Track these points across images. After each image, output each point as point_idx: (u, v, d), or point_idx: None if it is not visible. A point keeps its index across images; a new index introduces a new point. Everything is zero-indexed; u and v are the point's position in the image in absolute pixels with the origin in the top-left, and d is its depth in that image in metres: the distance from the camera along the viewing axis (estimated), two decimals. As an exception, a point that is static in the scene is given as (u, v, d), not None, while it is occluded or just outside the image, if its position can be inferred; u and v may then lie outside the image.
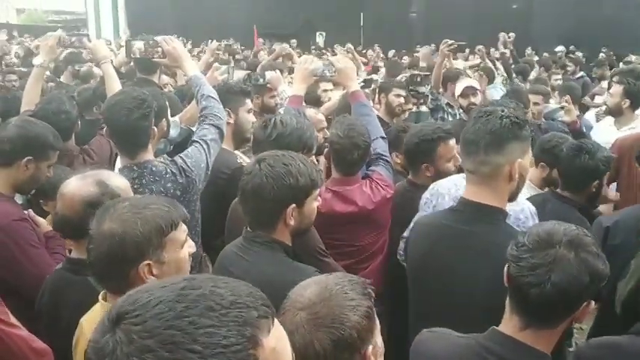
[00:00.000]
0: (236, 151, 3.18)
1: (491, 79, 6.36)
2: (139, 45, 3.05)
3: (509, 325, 1.52)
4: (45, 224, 2.64)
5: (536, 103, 4.83)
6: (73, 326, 1.75)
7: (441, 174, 2.85)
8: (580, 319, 1.51)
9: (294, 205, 1.93)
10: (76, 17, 30.95)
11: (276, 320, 0.84)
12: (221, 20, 21.26)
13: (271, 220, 1.95)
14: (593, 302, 1.50)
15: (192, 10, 22.42)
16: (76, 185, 1.96)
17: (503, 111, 1.92)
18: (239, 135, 3.19)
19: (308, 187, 1.96)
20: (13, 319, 1.82)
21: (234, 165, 3.01)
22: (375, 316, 1.28)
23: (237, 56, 11.78)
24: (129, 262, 1.53)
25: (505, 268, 1.54)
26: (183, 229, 1.62)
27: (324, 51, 15.18)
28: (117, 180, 2.02)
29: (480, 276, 1.85)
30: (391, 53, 14.06)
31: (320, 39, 20.77)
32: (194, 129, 2.96)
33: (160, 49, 2.98)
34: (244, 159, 3.06)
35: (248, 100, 3.27)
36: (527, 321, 1.48)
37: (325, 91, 4.94)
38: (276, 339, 0.81)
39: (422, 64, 7.46)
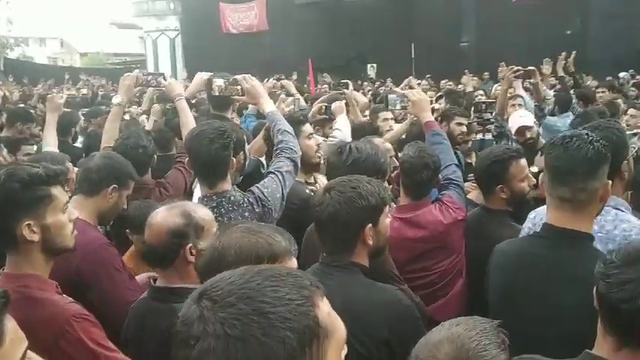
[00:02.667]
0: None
1: (564, 108, 6.25)
2: (219, 82, 3.18)
3: (603, 347, 1.48)
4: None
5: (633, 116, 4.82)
6: (160, 355, 1.75)
7: (516, 195, 2.83)
8: None
9: (370, 224, 1.98)
10: (136, 59, 32.29)
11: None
12: (274, 56, 21.77)
13: (350, 244, 1.99)
14: None
15: (246, 48, 23.07)
16: (163, 216, 2.04)
17: (588, 135, 1.92)
18: (306, 162, 3.24)
19: (379, 204, 2.01)
20: (111, 344, 1.89)
21: (303, 195, 3.10)
22: None
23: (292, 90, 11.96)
24: None
25: (594, 289, 1.51)
26: (290, 265, 1.60)
27: (376, 83, 15.30)
28: (202, 211, 2.09)
29: (570, 302, 1.81)
30: (443, 83, 14.01)
31: (371, 71, 20.98)
32: (262, 160, 3.03)
33: (239, 87, 3.10)
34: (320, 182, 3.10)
35: (305, 127, 3.35)
36: (622, 341, 1.44)
37: (385, 120, 4.98)
38: (328, 307, 0.96)
39: (468, 89, 7.31)
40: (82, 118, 6.21)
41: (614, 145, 2.04)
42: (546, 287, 1.89)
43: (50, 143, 4.08)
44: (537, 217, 2.40)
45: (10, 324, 1.17)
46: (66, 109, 4.98)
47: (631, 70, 13.79)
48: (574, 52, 7.15)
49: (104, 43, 44.73)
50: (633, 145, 3.92)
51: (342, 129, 4.20)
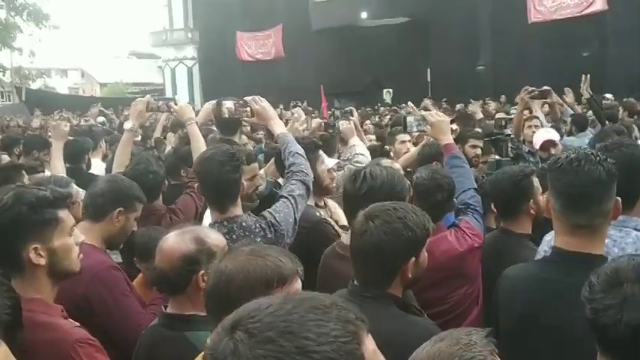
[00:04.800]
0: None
1: (582, 128, 6.21)
2: (228, 105, 3.15)
3: None
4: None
5: None
6: None
7: (541, 211, 2.74)
8: None
9: (414, 258, 1.90)
10: (155, 87, 32.84)
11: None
12: (291, 83, 21.99)
13: (390, 277, 1.91)
14: None
15: (262, 75, 23.33)
16: (175, 241, 1.98)
17: (594, 155, 1.86)
18: (319, 187, 3.22)
19: (424, 237, 1.93)
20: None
21: (313, 218, 3.04)
22: None
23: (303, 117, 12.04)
24: (229, 304, 1.51)
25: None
26: (295, 287, 1.55)
27: (394, 107, 15.32)
28: (215, 236, 2.03)
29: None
30: (458, 107, 13.96)
31: (387, 96, 21.05)
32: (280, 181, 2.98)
33: (248, 109, 3.06)
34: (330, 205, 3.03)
35: (320, 152, 3.30)
36: None
37: (403, 142, 4.93)
38: (373, 344, 0.89)
39: (478, 116, 7.24)
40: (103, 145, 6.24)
41: (637, 164, 1.96)
42: (562, 313, 1.82)
43: (59, 170, 4.07)
44: (553, 240, 2.32)
45: (1, 348, 1.12)
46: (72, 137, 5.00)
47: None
48: (586, 77, 7.07)
49: (123, 73, 45.63)
50: None
51: (364, 153, 4.15)
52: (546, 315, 1.87)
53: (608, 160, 1.86)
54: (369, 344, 0.87)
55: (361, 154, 4.18)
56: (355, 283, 1.96)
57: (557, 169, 1.89)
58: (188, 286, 1.93)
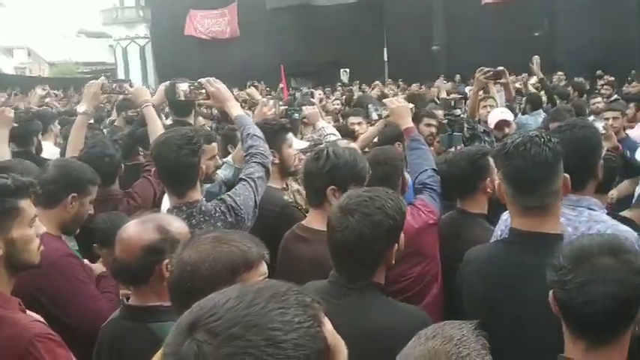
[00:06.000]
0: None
1: (536, 106, 6.34)
2: (183, 87, 3.08)
3: (574, 351, 1.47)
4: (99, 268, 2.65)
5: (616, 118, 4.95)
6: None
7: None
8: None
9: (396, 244, 1.91)
10: (106, 67, 31.90)
11: None
12: (246, 63, 21.72)
13: (374, 268, 1.89)
14: None
15: (218, 54, 22.96)
16: (136, 230, 1.91)
17: (538, 137, 1.89)
18: (284, 171, 3.21)
19: (403, 220, 1.92)
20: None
21: (281, 202, 3.03)
22: None
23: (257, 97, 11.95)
24: (195, 295, 1.50)
25: (550, 296, 1.50)
26: (261, 271, 1.54)
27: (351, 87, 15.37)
28: (177, 224, 1.97)
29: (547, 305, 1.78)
30: (415, 87, 14.11)
31: (344, 76, 21.04)
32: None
33: (204, 91, 3.01)
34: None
35: (289, 135, 3.27)
36: (592, 341, 1.43)
37: (359, 124, 4.94)
38: (329, 324, 0.89)
39: (442, 94, 7.40)
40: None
41: (591, 144, 2.03)
42: (524, 293, 1.85)
43: (2, 155, 3.90)
44: (510, 219, 2.36)
45: None
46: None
47: (598, 71, 14.03)
48: (537, 59, 7.32)
49: (73, 52, 44.08)
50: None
51: (335, 133, 4.14)
52: (509, 295, 1.90)
53: (552, 140, 1.89)
54: (328, 325, 0.87)
55: (332, 134, 4.17)
56: (336, 274, 1.92)
57: (505, 154, 1.91)
58: (151, 277, 1.86)
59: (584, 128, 2.20)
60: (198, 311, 0.82)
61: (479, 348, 1.16)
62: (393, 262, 1.92)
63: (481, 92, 5.22)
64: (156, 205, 3.23)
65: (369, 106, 3.55)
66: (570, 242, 1.57)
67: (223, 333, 0.77)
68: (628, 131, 5.31)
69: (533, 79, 7.71)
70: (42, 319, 1.91)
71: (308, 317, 0.82)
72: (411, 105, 3.40)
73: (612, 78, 11.89)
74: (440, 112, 5.40)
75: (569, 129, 2.17)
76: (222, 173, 3.33)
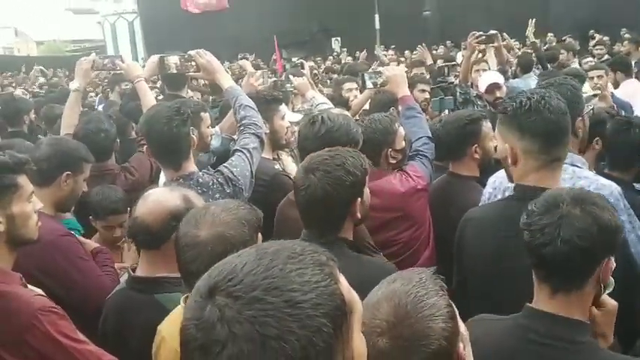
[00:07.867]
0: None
1: (527, 69, 6.33)
2: (173, 60, 3.08)
3: (540, 296, 1.51)
4: (91, 243, 2.68)
5: (600, 77, 5.04)
6: (143, 348, 1.72)
7: (487, 154, 2.88)
8: (605, 280, 1.49)
9: (359, 198, 1.95)
10: (95, 44, 31.46)
11: None
12: (236, 34, 21.44)
13: (340, 223, 1.96)
14: (613, 259, 1.49)
15: (208, 28, 22.59)
16: (163, 195, 1.97)
17: (546, 92, 1.93)
18: (276, 142, 3.24)
19: (364, 175, 1.98)
20: (81, 336, 1.83)
21: (271, 171, 3.07)
22: (453, 306, 1.23)
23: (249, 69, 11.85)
24: None
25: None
26: (258, 238, 1.64)
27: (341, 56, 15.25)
28: (197, 200, 2.01)
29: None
30: (407, 53, 14.01)
31: (336, 44, 20.85)
32: (235, 137, 2.99)
33: (194, 63, 3.01)
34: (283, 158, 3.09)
35: (281, 107, 3.28)
36: (553, 286, 1.47)
37: (350, 90, 4.95)
38: (344, 280, 0.89)
39: (428, 62, 7.34)
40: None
41: (569, 101, 2.02)
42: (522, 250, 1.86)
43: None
44: (497, 181, 2.38)
45: None
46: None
47: (591, 31, 13.93)
48: (532, 21, 7.35)
49: (60, 30, 43.53)
50: (591, 106, 3.96)
51: (326, 102, 4.14)
52: (510, 252, 1.87)
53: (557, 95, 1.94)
54: (343, 281, 0.88)
55: (323, 103, 4.18)
56: (306, 232, 1.99)
57: (527, 111, 1.89)
58: (165, 242, 1.88)
59: (561, 86, 2.21)
60: (217, 275, 0.82)
61: (437, 289, 1.21)
62: (359, 215, 1.97)
63: (479, 55, 5.20)
64: (152, 180, 3.25)
65: (365, 74, 3.56)
66: (548, 191, 1.60)
67: (244, 296, 0.78)
68: (614, 90, 5.34)
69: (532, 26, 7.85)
70: (43, 293, 1.93)
71: (325, 276, 0.83)
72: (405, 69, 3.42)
73: (607, 38, 11.71)
74: (427, 77, 5.45)
75: (546, 87, 2.17)
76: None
